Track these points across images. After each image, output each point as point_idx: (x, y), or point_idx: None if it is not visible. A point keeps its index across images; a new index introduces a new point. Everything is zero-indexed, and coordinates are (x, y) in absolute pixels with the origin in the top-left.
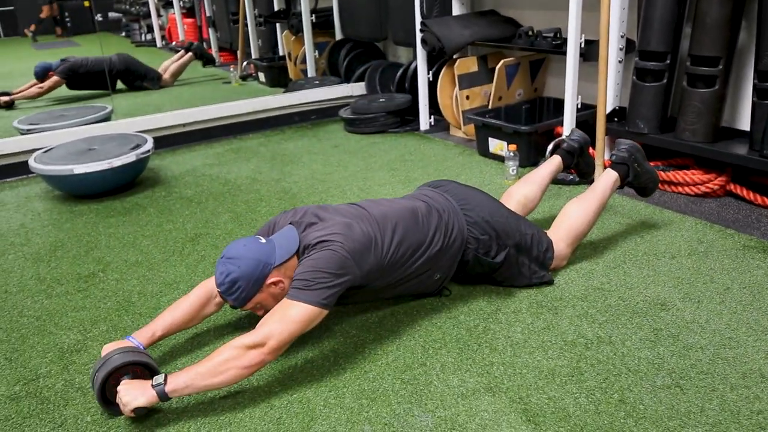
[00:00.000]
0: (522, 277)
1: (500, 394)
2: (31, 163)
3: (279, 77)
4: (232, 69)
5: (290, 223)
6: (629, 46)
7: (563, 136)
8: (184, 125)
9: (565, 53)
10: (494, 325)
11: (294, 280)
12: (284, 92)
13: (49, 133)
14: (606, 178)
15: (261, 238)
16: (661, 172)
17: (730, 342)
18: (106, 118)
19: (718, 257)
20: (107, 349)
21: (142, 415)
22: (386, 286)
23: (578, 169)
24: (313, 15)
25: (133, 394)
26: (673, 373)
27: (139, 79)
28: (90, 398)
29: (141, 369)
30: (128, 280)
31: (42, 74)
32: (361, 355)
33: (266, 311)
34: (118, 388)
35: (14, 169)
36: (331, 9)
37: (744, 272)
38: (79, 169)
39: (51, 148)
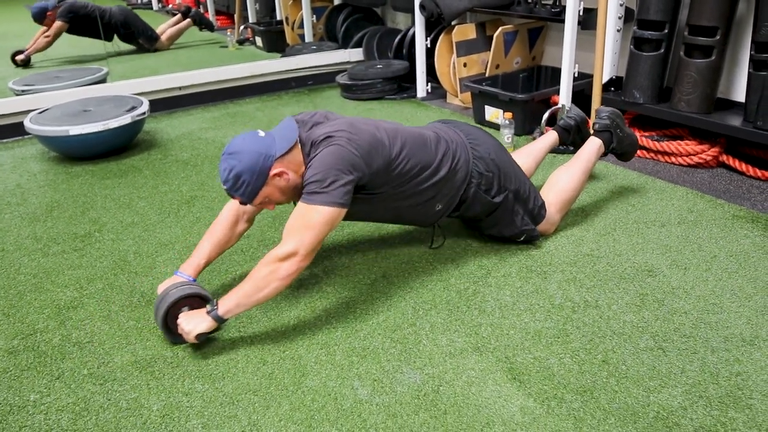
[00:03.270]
0: (513, 226)
1: (487, 353)
2: (27, 123)
3: (276, 42)
4: (229, 33)
5: (296, 121)
6: (628, 15)
7: (559, 105)
8: (180, 89)
9: (563, 21)
10: (484, 288)
11: (307, 183)
12: (281, 57)
13: (44, 94)
14: (590, 146)
15: (260, 131)
16: (655, 142)
17: (714, 308)
18: (102, 80)
19: (707, 226)
20: (162, 287)
21: (203, 340)
22: (390, 198)
23: (575, 145)
24: None
25: (193, 323)
26: (657, 336)
27: (136, 35)
28: (87, 352)
29: (196, 300)
30: (124, 240)
31: (40, 15)
32: (352, 315)
33: (277, 204)
34: (178, 320)
35: (10, 130)
36: None
37: (732, 241)
38: (75, 130)
39: (46, 109)
